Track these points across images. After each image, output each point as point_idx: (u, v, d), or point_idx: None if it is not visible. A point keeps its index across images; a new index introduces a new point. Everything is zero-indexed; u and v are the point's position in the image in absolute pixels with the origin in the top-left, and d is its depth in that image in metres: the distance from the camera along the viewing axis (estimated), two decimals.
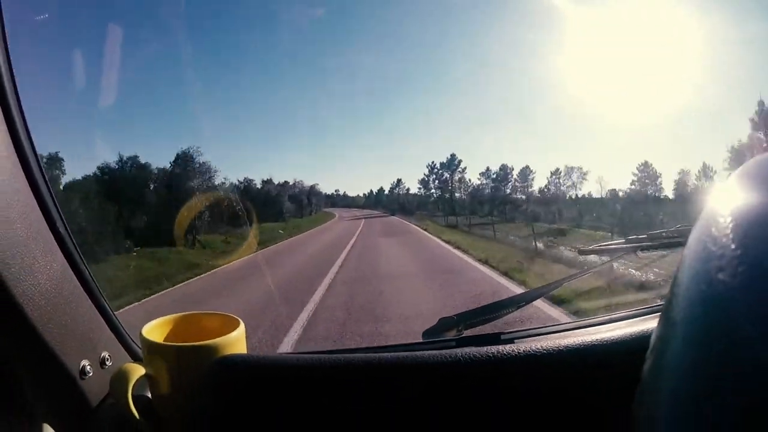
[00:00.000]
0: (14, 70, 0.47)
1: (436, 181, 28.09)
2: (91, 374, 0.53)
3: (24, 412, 0.50)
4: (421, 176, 28.80)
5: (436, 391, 0.47)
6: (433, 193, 28.53)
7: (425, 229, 15.43)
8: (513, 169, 26.21)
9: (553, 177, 24.58)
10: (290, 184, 25.66)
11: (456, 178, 27.50)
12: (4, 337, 0.46)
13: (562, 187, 24.29)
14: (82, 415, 0.53)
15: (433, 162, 28.37)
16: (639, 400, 0.19)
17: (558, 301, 3.73)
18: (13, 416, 0.49)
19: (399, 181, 33.81)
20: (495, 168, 26.47)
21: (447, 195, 27.33)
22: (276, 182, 24.72)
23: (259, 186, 23.22)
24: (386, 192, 35.62)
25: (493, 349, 0.48)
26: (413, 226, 18.15)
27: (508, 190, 25.92)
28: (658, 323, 0.20)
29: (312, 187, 28.80)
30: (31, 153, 0.49)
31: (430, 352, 0.50)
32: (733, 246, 0.18)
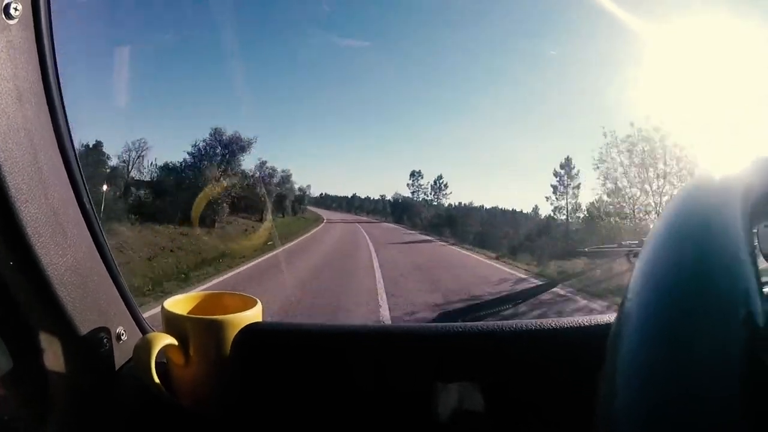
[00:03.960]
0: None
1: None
2: (107, 347, 0.56)
3: (37, 380, 0.51)
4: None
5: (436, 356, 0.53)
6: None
7: None
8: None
9: None
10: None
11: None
12: (29, 305, 0.49)
13: None
14: (95, 384, 0.55)
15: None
16: (601, 378, 0.21)
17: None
18: (24, 387, 0.51)
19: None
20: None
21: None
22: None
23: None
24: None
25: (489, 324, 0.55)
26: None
27: None
28: (618, 309, 0.23)
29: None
30: (64, 125, 0.53)
31: (437, 324, 0.55)
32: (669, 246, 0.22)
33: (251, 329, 0.56)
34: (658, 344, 0.19)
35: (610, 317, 0.56)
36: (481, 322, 0.55)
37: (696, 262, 0.21)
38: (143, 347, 0.51)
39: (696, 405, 0.16)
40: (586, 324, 0.55)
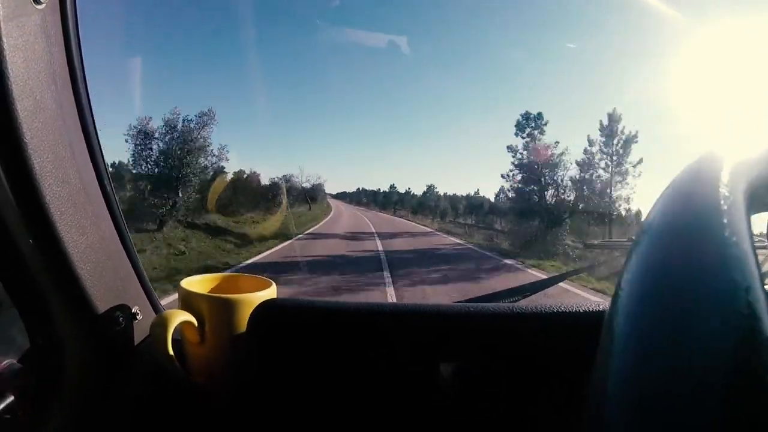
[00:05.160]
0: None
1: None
2: (123, 325, 0.58)
3: (54, 357, 0.53)
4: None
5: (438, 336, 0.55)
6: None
7: None
8: None
9: None
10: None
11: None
12: (49, 282, 0.50)
13: None
14: (110, 362, 0.57)
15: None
16: (594, 363, 0.21)
17: None
18: (41, 363, 0.52)
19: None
20: None
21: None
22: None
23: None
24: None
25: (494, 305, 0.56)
26: None
27: None
28: (610, 303, 0.22)
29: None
30: (87, 108, 0.55)
31: (447, 304, 0.57)
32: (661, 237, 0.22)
33: (267, 306, 0.57)
34: (649, 334, 0.19)
35: None
36: (492, 304, 0.56)
37: (692, 252, 0.20)
38: (160, 323, 0.52)
39: (686, 395, 0.16)
40: (594, 309, 0.55)
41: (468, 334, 0.54)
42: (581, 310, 0.55)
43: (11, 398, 0.47)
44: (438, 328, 0.54)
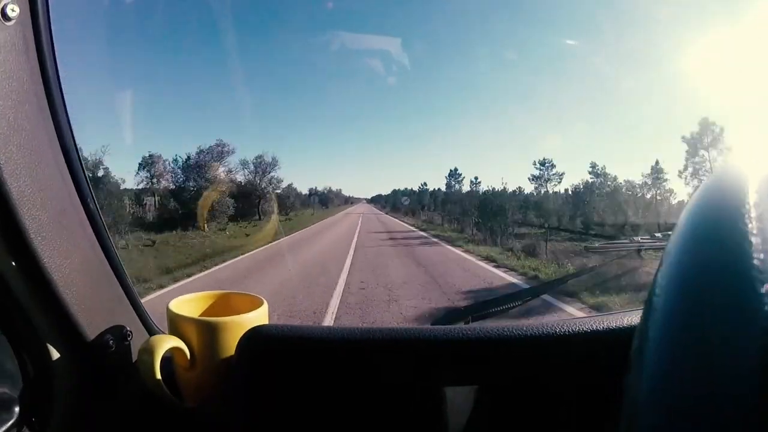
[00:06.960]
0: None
1: None
2: (113, 348, 0.56)
3: (43, 382, 0.52)
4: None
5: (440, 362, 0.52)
6: None
7: None
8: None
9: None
10: None
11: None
12: (35, 308, 0.49)
13: None
14: (101, 385, 0.55)
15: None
16: (625, 383, 0.21)
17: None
18: (30, 388, 0.51)
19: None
20: None
21: None
22: None
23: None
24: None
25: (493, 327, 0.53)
26: None
27: None
28: (643, 311, 0.23)
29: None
30: (66, 126, 0.53)
31: (444, 327, 0.54)
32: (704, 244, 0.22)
33: (256, 333, 0.55)
34: (682, 341, 0.19)
35: (615, 320, 0.54)
36: (490, 325, 0.53)
37: (720, 262, 0.20)
38: (147, 350, 0.51)
39: (715, 401, 0.17)
40: (595, 328, 0.53)
41: (470, 357, 0.52)
42: (577, 330, 0.53)
43: (4, 427, 0.46)
44: (437, 352, 0.52)
